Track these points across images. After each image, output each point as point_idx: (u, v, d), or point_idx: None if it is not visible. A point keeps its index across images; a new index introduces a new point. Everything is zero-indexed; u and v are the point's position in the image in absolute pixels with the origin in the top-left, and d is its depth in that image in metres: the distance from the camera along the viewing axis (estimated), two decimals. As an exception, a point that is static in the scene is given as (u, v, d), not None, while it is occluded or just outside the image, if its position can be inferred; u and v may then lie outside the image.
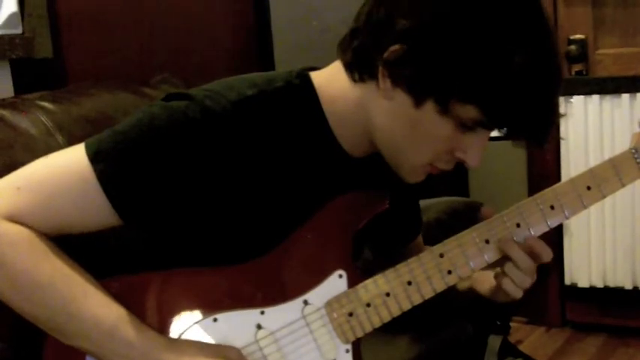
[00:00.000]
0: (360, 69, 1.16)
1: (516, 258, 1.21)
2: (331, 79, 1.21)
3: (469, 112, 1.09)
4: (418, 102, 1.11)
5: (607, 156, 1.28)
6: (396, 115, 1.14)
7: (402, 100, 1.12)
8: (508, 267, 1.22)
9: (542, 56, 1.09)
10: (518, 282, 1.22)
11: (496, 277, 1.26)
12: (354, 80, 1.18)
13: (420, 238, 1.50)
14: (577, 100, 2.88)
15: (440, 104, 1.09)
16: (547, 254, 1.22)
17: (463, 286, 1.36)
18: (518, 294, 1.24)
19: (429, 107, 1.10)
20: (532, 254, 1.22)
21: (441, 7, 1.07)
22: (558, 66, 1.13)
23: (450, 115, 1.10)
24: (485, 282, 1.33)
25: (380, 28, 1.12)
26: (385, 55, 1.10)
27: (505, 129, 1.14)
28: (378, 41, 1.12)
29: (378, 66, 1.12)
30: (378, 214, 1.22)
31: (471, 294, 1.36)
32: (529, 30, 1.09)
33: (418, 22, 1.08)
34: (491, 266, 1.26)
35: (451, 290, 1.25)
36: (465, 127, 1.11)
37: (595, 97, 2.87)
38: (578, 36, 2.94)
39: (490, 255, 1.22)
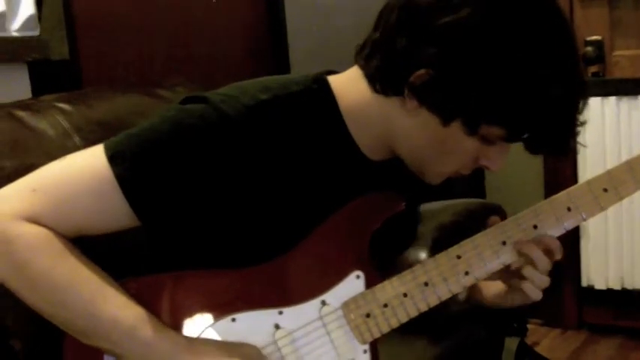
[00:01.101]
0: (383, 84, 1.16)
1: (536, 258, 1.21)
2: (350, 84, 1.21)
3: (496, 131, 1.12)
4: (446, 122, 1.12)
5: (624, 158, 1.27)
6: (423, 131, 1.15)
7: (428, 118, 1.13)
8: (527, 270, 1.22)
9: (567, 80, 1.11)
10: (538, 283, 1.22)
11: (509, 283, 1.26)
12: (376, 91, 1.18)
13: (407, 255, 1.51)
14: (594, 101, 2.86)
15: (467, 126, 1.11)
16: (559, 250, 1.23)
17: (461, 296, 1.35)
18: (538, 295, 1.24)
19: (456, 126, 1.12)
20: (547, 252, 1.22)
21: (468, 34, 1.07)
22: (583, 88, 1.15)
23: (477, 132, 1.12)
24: (489, 289, 1.33)
25: (405, 52, 1.11)
26: (411, 79, 1.11)
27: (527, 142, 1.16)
28: (402, 64, 1.12)
29: (403, 85, 1.13)
30: (395, 215, 1.22)
31: (471, 303, 1.35)
32: (555, 56, 1.10)
33: (445, 49, 1.08)
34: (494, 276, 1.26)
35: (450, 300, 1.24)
36: (491, 142, 1.14)
37: (612, 99, 2.85)
38: (594, 37, 2.93)
39: (506, 257, 1.22)
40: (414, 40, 1.10)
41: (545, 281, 1.23)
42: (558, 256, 1.23)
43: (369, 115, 1.19)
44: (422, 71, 1.09)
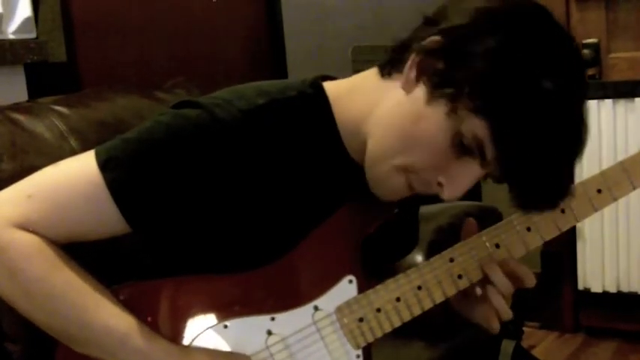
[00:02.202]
0: (393, 61, 1.16)
1: (497, 281, 1.18)
2: (349, 90, 1.21)
3: (476, 126, 1.05)
4: (432, 96, 1.08)
5: (620, 160, 1.27)
6: (404, 108, 1.11)
7: (417, 95, 1.10)
8: (490, 290, 1.19)
9: (570, 97, 1.07)
10: (497, 306, 1.19)
11: (476, 300, 1.24)
12: (383, 76, 1.17)
13: (409, 260, 1.49)
14: (590, 104, 2.86)
15: (452, 105, 1.06)
16: (527, 277, 1.19)
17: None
18: (495, 324, 1.20)
19: (440, 107, 1.07)
20: (513, 278, 1.19)
21: (490, 18, 1.07)
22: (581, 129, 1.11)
23: (456, 121, 1.06)
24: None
25: (428, 24, 1.13)
26: (424, 42, 1.09)
27: (500, 174, 1.10)
28: (422, 33, 1.11)
29: (410, 55, 1.11)
30: (386, 221, 1.22)
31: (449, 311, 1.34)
32: (562, 65, 1.07)
33: (463, 23, 1.07)
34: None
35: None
36: (462, 147, 1.07)
37: (608, 102, 2.86)
38: (591, 40, 2.93)
39: (502, 259, 1.22)
40: (440, 13, 1.12)
41: (504, 309, 1.19)
42: (528, 284, 1.19)
43: (359, 122, 1.18)
44: (437, 37, 1.08)
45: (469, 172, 1.09)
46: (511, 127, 1.04)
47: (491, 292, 1.19)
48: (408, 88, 1.12)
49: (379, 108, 1.16)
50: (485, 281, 1.20)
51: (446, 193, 1.11)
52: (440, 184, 1.11)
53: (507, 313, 1.20)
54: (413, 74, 1.11)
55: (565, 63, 1.08)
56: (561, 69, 1.06)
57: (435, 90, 1.08)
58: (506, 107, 1.04)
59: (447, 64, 1.07)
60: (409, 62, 1.11)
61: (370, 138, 1.16)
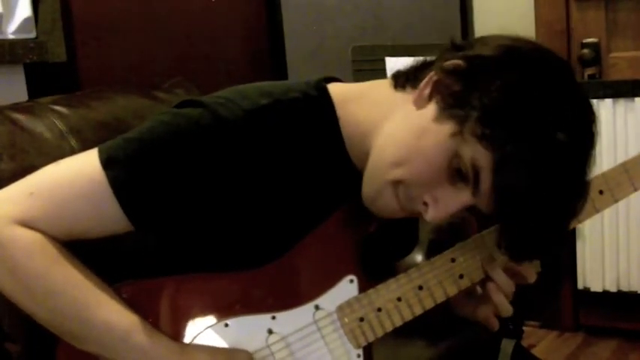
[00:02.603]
0: (410, 75, 1.16)
1: (498, 280, 1.19)
2: (358, 95, 1.21)
3: (478, 154, 1.04)
4: (442, 115, 1.08)
5: (620, 160, 1.27)
6: (410, 121, 1.12)
7: (426, 112, 1.10)
8: (491, 287, 1.20)
9: (579, 153, 1.07)
10: (498, 303, 1.20)
11: (477, 302, 1.24)
12: (396, 87, 1.18)
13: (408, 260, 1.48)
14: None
15: (460, 124, 1.05)
16: (531, 276, 1.20)
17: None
18: (495, 323, 1.22)
19: (446, 126, 1.07)
20: (514, 275, 1.20)
21: (514, 55, 1.08)
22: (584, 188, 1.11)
23: (459, 143, 1.05)
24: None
25: (453, 49, 1.13)
26: (446, 63, 1.09)
27: (490, 210, 1.09)
28: (445, 55, 1.12)
29: (428, 73, 1.12)
30: (390, 221, 1.22)
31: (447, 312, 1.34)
32: (577, 120, 1.07)
33: (487, 54, 1.08)
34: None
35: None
36: (457, 171, 1.07)
37: (608, 101, 2.86)
38: (591, 39, 2.94)
39: (502, 259, 1.22)
40: (460, 46, 1.13)
41: (504, 305, 1.20)
42: (529, 280, 1.21)
43: (363, 131, 1.18)
44: (459, 61, 1.08)
45: (457, 198, 1.09)
46: (513, 165, 1.03)
47: (492, 289, 1.20)
48: (419, 104, 1.12)
49: (388, 122, 1.16)
50: (486, 278, 1.21)
51: (429, 214, 1.11)
52: (425, 204, 1.11)
53: (508, 310, 1.20)
54: (427, 91, 1.11)
55: (580, 119, 1.08)
56: (575, 124, 1.06)
57: (446, 110, 1.08)
58: (513, 144, 1.03)
59: (464, 87, 1.07)
60: (426, 79, 1.12)
61: (373, 149, 1.16)
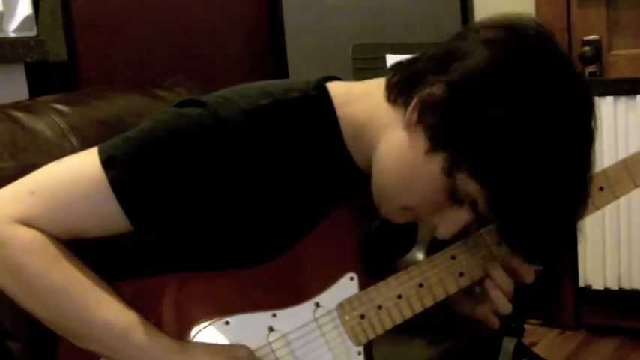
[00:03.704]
0: (398, 91, 1.14)
1: (495, 277, 1.19)
2: (358, 97, 1.21)
3: (470, 188, 1.06)
4: (430, 150, 1.07)
5: (621, 157, 1.27)
6: (403, 152, 1.11)
7: (417, 140, 1.09)
8: (489, 283, 1.20)
9: (571, 185, 1.06)
10: (496, 299, 1.20)
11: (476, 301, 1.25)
12: (388, 100, 1.16)
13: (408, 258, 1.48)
14: (591, 101, 2.86)
15: (450, 163, 1.06)
16: (529, 275, 1.21)
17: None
18: (495, 321, 1.23)
19: (437, 161, 1.07)
20: (512, 273, 1.20)
21: (491, 80, 1.04)
22: (580, 203, 1.10)
23: (451, 180, 1.06)
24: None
25: (436, 63, 1.10)
26: (428, 91, 1.08)
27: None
28: (424, 75, 1.10)
29: (414, 95, 1.10)
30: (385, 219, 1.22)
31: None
32: (568, 156, 1.05)
33: (468, 78, 1.05)
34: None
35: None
36: (457, 200, 1.09)
37: (609, 99, 2.85)
38: (592, 37, 2.93)
39: (501, 257, 1.22)
40: (452, 53, 1.08)
41: (503, 303, 1.20)
42: (527, 279, 1.21)
43: (364, 130, 1.18)
44: (437, 88, 1.06)
45: (461, 217, 1.12)
46: (506, 197, 1.04)
47: (491, 286, 1.20)
48: (409, 128, 1.11)
49: (384, 136, 1.15)
50: (485, 276, 1.21)
51: (439, 233, 1.14)
52: (434, 223, 1.14)
53: (507, 308, 1.20)
54: (414, 118, 1.10)
55: (572, 145, 1.06)
56: (570, 153, 1.05)
57: (434, 144, 1.07)
58: (504, 180, 1.03)
59: (447, 121, 1.06)
60: (412, 106, 1.10)
61: (373, 172, 1.17)
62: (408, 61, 1.16)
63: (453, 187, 1.07)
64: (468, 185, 1.06)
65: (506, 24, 1.10)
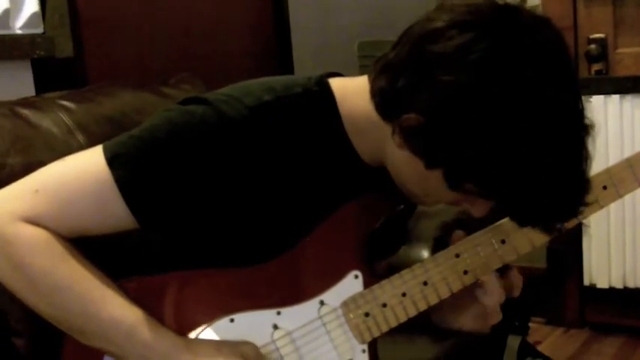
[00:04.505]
0: (380, 110, 1.14)
1: (486, 282, 1.20)
2: (355, 91, 1.21)
3: (472, 189, 1.09)
4: (427, 167, 1.09)
5: (627, 155, 1.27)
6: (408, 165, 1.13)
7: (414, 157, 1.11)
8: (478, 292, 1.21)
9: (564, 171, 1.06)
10: (488, 303, 1.21)
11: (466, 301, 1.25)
12: (378, 112, 1.15)
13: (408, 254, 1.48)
14: (596, 99, 2.86)
15: (447, 181, 1.08)
16: (519, 287, 1.23)
17: None
18: (485, 326, 1.23)
19: (438, 174, 1.09)
20: (506, 284, 1.22)
21: (465, 98, 1.02)
22: (581, 187, 1.10)
23: (459, 189, 1.09)
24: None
25: (403, 91, 1.08)
26: (401, 120, 1.08)
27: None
28: (398, 102, 1.09)
29: (393, 121, 1.10)
30: (391, 216, 1.22)
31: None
32: (556, 144, 1.04)
33: (440, 104, 1.04)
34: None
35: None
36: (472, 195, 1.11)
37: (615, 97, 2.85)
38: (598, 35, 2.93)
39: (506, 256, 1.22)
40: (415, 84, 1.06)
41: (495, 312, 1.21)
42: (514, 294, 1.22)
43: (368, 126, 1.18)
44: (412, 116, 1.06)
45: (485, 202, 1.13)
46: (503, 197, 1.08)
47: (481, 294, 1.21)
48: (401, 148, 1.12)
49: (388, 140, 1.14)
50: (475, 285, 1.21)
51: (474, 215, 1.16)
52: (466, 209, 1.16)
53: (498, 315, 1.21)
54: (400, 142, 1.11)
55: (559, 143, 1.05)
56: (551, 151, 1.04)
57: (427, 162, 1.09)
58: (495, 187, 1.07)
59: (430, 145, 1.07)
60: (394, 130, 1.11)
61: (393, 176, 1.19)
62: (385, 61, 1.14)
63: (462, 187, 1.09)
64: (470, 188, 1.08)
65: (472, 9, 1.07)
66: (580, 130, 1.07)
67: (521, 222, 1.15)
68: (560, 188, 1.06)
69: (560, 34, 1.08)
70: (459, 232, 1.24)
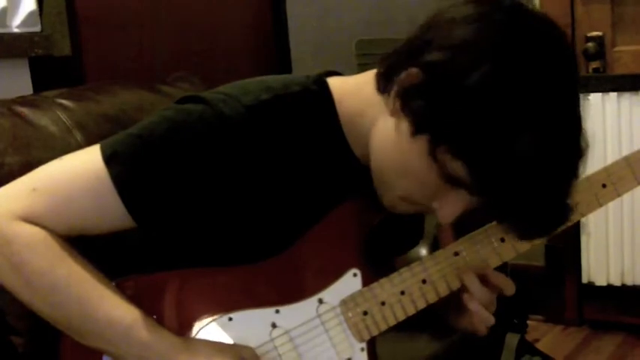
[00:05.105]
0: (384, 80, 1.13)
1: (473, 290, 1.19)
2: (353, 90, 1.21)
3: (457, 168, 1.03)
4: (413, 133, 1.06)
5: (625, 154, 1.27)
6: (392, 139, 1.10)
7: (402, 125, 1.08)
8: (466, 297, 1.19)
9: (552, 151, 1.02)
10: (477, 312, 1.19)
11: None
12: (379, 90, 1.15)
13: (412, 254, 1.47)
14: (594, 97, 2.86)
15: (431, 145, 1.04)
16: (510, 288, 1.21)
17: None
18: (482, 328, 1.22)
19: (422, 143, 1.05)
20: (490, 286, 1.20)
21: (476, 57, 1.01)
22: (572, 167, 1.07)
23: (437, 162, 1.04)
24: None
25: (414, 47, 1.08)
26: (402, 75, 1.07)
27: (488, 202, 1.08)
28: (405, 59, 1.08)
29: (394, 81, 1.09)
30: (393, 215, 1.22)
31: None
32: (549, 118, 1.02)
33: (445, 59, 1.02)
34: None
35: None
36: (449, 181, 1.06)
37: (613, 95, 2.85)
38: (595, 33, 2.93)
39: (505, 254, 1.22)
40: (429, 39, 1.06)
41: (483, 315, 1.19)
42: (508, 292, 1.21)
43: (363, 123, 1.17)
44: (414, 70, 1.05)
45: (460, 200, 1.08)
46: (491, 174, 1.02)
47: (467, 298, 1.19)
48: (394, 115, 1.10)
49: (376, 126, 1.14)
50: (463, 289, 1.20)
51: (440, 217, 1.12)
52: (435, 209, 1.12)
53: (487, 319, 1.20)
54: (397, 105, 1.09)
55: (554, 113, 1.03)
56: (548, 122, 1.02)
57: (417, 127, 1.06)
58: (485, 158, 1.01)
59: (427, 104, 1.04)
60: (393, 91, 1.09)
61: (371, 162, 1.16)
62: (394, 50, 1.14)
63: (443, 167, 1.04)
64: (454, 165, 1.03)
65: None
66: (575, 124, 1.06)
67: (499, 215, 1.13)
68: (547, 185, 1.04)
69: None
70: (444, 227, 1.23)
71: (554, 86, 1.03)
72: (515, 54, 1.01)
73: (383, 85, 1.14)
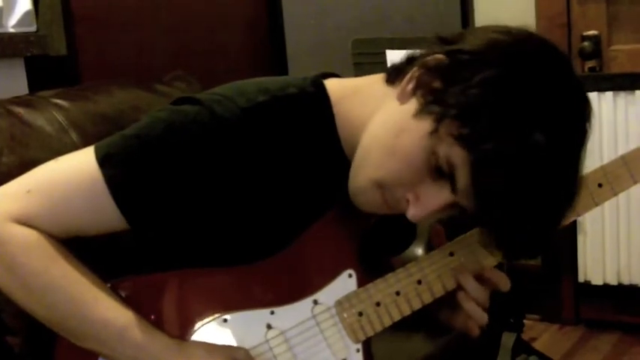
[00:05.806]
0: (399, 70, 1.14)
1: (470, 290, 1.18)
2: (351, 92, 1.21)
3: (453, 153, 1.02)
4: (421, 111, 1.06)
5: (621, 153, 1.27)
6: (392, 118, 1.11)
7: (408, 108, 1.08)
8: (461, 296, 1.19)
9: (562, 154, 1.03)
10: (472, 313, 1.19)
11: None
12: (387, 81, 1.16)
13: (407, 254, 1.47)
14: (590, 96, 2.84)
15: (437, 121, 1.03)
16: (505, 284, 1.20)
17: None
18: (475, 329, 1.22)
19: (424, 123, 1.05)
20: (486, 283, 1.20)
21: (498, 49, 1.04)
22: (572, 186, 1.07)
23: (436, 141, 1.03)
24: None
25: (441, 42, 1.11)
26: (428, 58, 1.08)
27: (472, 211, 1.07)
28: (432, 49, 1.10)
29: (414, 66, 1.10)
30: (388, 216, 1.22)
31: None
32: (562, 118, 1.03)
33: (470, 49, 1.05)
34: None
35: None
36: (436, 169, 1.05)
37: (609, 94, 2.85)
38: (591, 32, 2.93)
39: (500, 254, 1.22)
40: (454, 37, 1.10)
41: (477, 314, 1.19)
42: (502, 288, 1.20)
43: (360, 125, 1.16)
44: (442, 56, 1.07)
45: (438, 195, 1.07)
46: (489, 165, 1.01)
47: (463, 298, 1.19)
48: (402, 99, 1.10)
49: (374, 117, 1.15)
50: (458, 288, 1.20)
51: (410, 212, 1.10)
52: (407, 201, 1.10)
53: (482, 318, 1.19)
54: (410, 86, 1.10)
55: (563, 118, 1.04)
56: (557, 124, 1.02)
57: (425, 106, 1.06)
58: (488, 145, 1.00)
59: (444, 84, 1.05)
60: (409, 74, 1.10)
61: (359, 147, 1.15)
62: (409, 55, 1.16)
63: (436, 152, 1.04)
64: (452, 150, 1.02)
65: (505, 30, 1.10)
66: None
67: (481, 220, 1.10)
68: (537, 193, 1.03)
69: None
70: (437, 227, 1.23)
71: (563, 89, 1.05)
72: (532, 63, 1.04)
73: (394, 75, 1.15)
